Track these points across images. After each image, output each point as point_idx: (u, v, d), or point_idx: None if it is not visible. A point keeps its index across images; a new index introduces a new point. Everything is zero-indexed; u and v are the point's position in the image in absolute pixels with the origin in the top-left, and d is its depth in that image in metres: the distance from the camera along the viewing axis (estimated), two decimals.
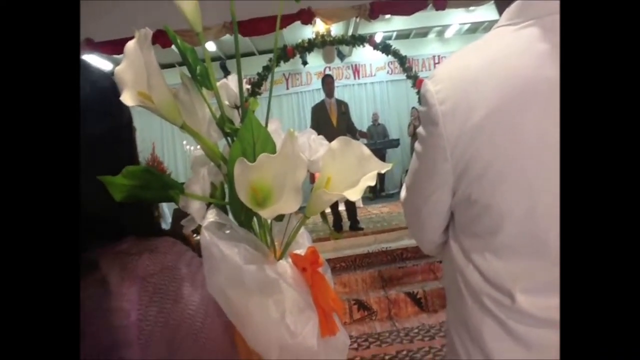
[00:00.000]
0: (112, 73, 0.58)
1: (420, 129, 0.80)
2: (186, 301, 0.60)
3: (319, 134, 0.72)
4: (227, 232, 0.59)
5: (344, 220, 5.88)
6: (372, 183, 0.59)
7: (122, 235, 0.63)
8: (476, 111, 0.71)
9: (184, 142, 8.62)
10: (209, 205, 0.61)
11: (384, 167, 0.61)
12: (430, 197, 0.82)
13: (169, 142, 9.96)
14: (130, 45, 0.55)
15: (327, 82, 5.85)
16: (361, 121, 9.39)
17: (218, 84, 0.64)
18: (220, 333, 0.62)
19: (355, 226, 5.67)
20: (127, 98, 0.53)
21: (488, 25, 8.51)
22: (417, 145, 0.83)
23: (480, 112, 0.71)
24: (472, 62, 0.75)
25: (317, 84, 9.63)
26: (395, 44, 7.07)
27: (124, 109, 0.67)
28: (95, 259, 0.59)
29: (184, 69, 0.67)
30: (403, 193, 0.93)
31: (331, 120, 5.58)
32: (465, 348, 0.82)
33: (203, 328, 0.60)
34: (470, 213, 0.78)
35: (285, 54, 6.57)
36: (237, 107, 0.66)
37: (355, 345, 3.63)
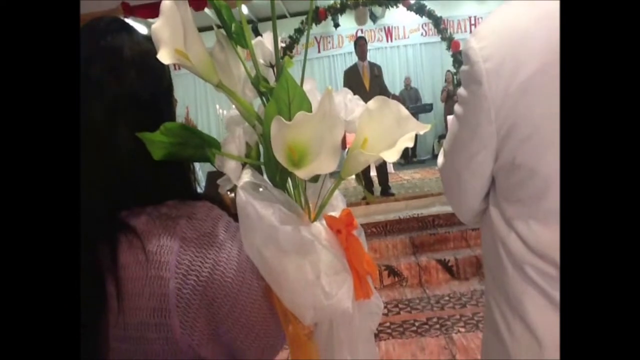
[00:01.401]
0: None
1: (460, 90, 0.76)
2: (224, 268, 0.60)
3: None
4: (262, 192, 0.59)
5: (374, 185, 5.87)
6: (411, 144, 0.58)
7: (162, 198, 0.63)
8: (524, 68, 0.68)
9: (217, 106, 8.67)
10: (244, 165, 0.61)
11: (423, 128, 0.60)
12: (472, 160, 0.79)
13: (202, 106, 10.05)
14: (167, 2, 0.55)
15: (360, 44, 5.73)
16: (393, 85, 9.19)
17: (253, 42, 0.63)
18: (258, 297, 0.63)
19: (386, 191, 5.65)
20: (164, 55, 0.52)
21: None
22: (457, 107, 0.79)
23: (528, 69, 0.67)
24: (520, 17, 0.71)
25: (348, 47, 9.47)
26: (429, 5, 6.86)
27: (165, 73, 0.67)
28: (134, 223, 0.60)
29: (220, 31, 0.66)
30: (440, 159, 0.89)
31: (364, 83, 5.49)
32: (505, 319, 0.80)
33: (241, 293, 0.61)
34: (514, 178, 0.74)
35: (317, 16, 6.46)
36: (272, 66, 0.65)
37: (385, 310, 3.66)
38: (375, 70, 5.62)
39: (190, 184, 0.70)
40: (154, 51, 0.56)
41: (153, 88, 0.64)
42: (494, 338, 0.83)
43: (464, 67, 0.75)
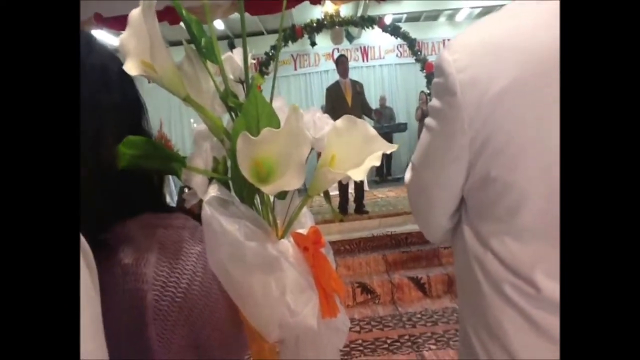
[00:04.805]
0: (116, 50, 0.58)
1: (433, 102, 0.75)
2: (202, 278, 0.60)
3: (334, 114, 0.70)
4: (229, 207, 0.58)
5: (349, 203, 5.88)
6: (377, 163, 0.58)
7: (136, 211, 0.62)
8: (497, 80, 0.67)
9: (192, 120, 8.63)
10: (211, 180, 0.61)
11: (390, 148, 0.60)
12: (442, 173, 0.77)
13: (176, 121, 9.97)
14: (135, 14, 0.54)
15: (341, 62, 5.79)
16: (369, 103, 9.31)
17: (223, 57, 0.63)
18: (234, 305, 0.62)
19: (360, 209, 5.67)
20: (130, 67, 0.51)
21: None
22: (428, 120, 0.77)
23: (501, 82, 0.67)
24: (494, 32, 0.72)
25: (325, 65, 9.59)
26: (405, 27, 7.01)
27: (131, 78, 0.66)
28: (110, 238, 0.58)
29: (189, 45, 0.65)
30: (408, 174, 0.87)
31: (346, 100, 5.53)
32: (483, 343, 0.76)
33: (219, 299, 0.61)
34: (489, 193, 0.73)
35: (294, 34, 6.52)
36: (241, 82, 0.65)
37: (357, 328, 3.65)
38: (357, 87, 5.69)
39: (163, 196, 0.69)
40: (115, 59, 0.58)
41: (121, 91, 0.63)
42: None
43: (436, 80, 0.74)
